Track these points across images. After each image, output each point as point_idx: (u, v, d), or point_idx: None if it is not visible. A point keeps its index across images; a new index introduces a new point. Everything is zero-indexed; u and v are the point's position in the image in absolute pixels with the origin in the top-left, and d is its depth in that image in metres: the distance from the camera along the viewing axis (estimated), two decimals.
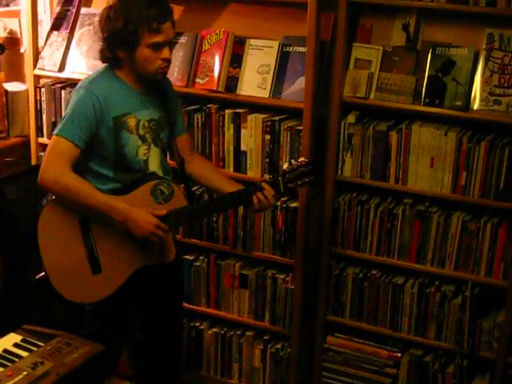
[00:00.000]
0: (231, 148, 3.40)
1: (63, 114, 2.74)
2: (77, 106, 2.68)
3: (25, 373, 2.12)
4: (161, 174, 2.85)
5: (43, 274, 2.82)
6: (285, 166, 2.79)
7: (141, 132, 2.77)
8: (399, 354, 3.41)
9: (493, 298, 3.27)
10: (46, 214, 2.76)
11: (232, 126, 3.38)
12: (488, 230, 3.13)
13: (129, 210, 2.68)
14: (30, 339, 2.37)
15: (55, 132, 2.69)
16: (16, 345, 2.34)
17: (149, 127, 2.80)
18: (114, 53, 2.69)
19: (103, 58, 2.77)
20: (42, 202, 2.85)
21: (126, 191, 2.77)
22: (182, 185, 3.00)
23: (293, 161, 2.80)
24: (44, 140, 3.80)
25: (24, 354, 2.27)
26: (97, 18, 3.52)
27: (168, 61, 2.72)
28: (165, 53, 2.67)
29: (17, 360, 2.23)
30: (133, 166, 2.79)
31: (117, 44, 2.66)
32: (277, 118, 3.32)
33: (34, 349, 2.31)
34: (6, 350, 2.31)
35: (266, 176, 3.31)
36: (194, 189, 3.39)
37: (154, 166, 2.84)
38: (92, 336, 2.90)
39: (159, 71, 2.71)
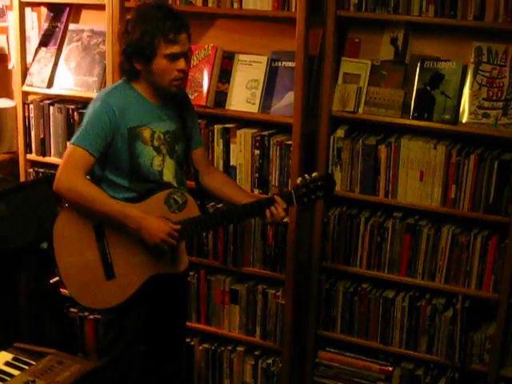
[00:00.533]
0: (221, 163, 3.40)
1: (81, 124, 2.78)
2: (93, 117, 2.73)
3: None
4: (175, 185, 2.88)
5: (57, 279, 2.83)
6: (298, 180, 2.84)
7: (155, 143, 2.81)
8: (391, 368, 3.40)
9: (483, 311, 3.27)
10: (61, 220, 2.80)
11: (221, 141, 3.39)
12: (478, 243, 3.15)
13: (142, 218, 2.72)
14: (21, 357, 2.36)
15: (71, 141, 2.74)
16: (7, 363, 2.33)
17: (164, 139, 2.83)
18: (131, 65, 2.75)
19: (122, 71, 2.84)
20: (57, 209, 2.89)
21: (141, 199, 2.81)
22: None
23: (306, 175, 2.84)
24: (32, 156, 3.79)
25: (15, 372, 2.26)
26: (85, 34, 3.61)
27: (184, 72, 2.76)
28: (181, 64, 2.72)
29: (8, 379, 2.22)
30: (147, 176, 2.82)
31: (134, 56, 2.72)
32: (266, 133, 3.32)
33: (26, 367, 2.30)
34: None
35: (256, 191, 3.35)
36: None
37: (168, 176, 2.87)
38: (108, 348, 2.94)
39: (174, 83, 2.75)
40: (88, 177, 2.79)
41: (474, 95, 3.07)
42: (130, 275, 2.82)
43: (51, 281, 3.04)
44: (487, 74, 3.06)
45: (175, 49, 2.69)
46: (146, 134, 2.79)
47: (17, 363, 2.32)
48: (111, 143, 2.74)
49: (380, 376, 3.42)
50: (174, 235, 2.75)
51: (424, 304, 3.28)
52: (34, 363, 2.32)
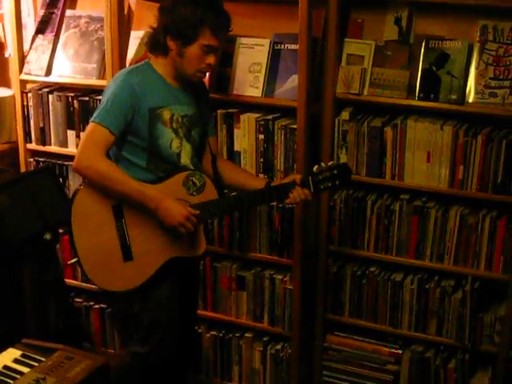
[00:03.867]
0: (224, 149, 3.35)
1: (101, 102, 2.76)
2: (113, 94, 2.71)
3: None
4: (192, 168, 2.88)
5: (76, 259, 2.82)
6: (315, 167, 2.84)
7: (174, 126, 2.81)
8: (400, 351, 3.39)
9: (493, 292, 3.25)
10: (79, 200, 2.79)
11: (224, 126, 3.34)
12: (487, 224, 3.11)
13: (161, 199, 2.72)
14: (29, 354, 2.34)
15: (91, 119, 2.72)
16: (16, 360, 2.30)
17: (182, 122, 2.84)
18: (165, 41, 2.73)
19: (152, 43, 2.81)
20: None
21: (158, 181, 2.80)
22: None
23: (322, 163, 2.86)
24: (33, 146, 3.74)
25: (25, 369, 2.23)
26: (83, 20, 3.55)
27: (210, 67, 2.79)
28: (211, 59, 2.74)
29: (18, 376, 2.20)
30: (166, 158, 2.82)
31: (173, 33, 2.70)
32: (270, 117, 3.27)
33: (35, 364, 2.27)
34: (6, 367, 2.27)
35: (261, 176, 3.30)
36: None
37: (185, 159, 2.87)
38: (144, 339, 2.91)
39: (198, 74, 2.78)
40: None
41: (480, 74, 3.02)
42: (147, 257, 2.80)
43: (69, 262, 3.00)
44: (493, 53, 3.01)
45: (214, 42, 2.71)
46: (166, 115, 2.78)
47: (26, 360, 2.29)
48: (131, 122, 2.72)
49: (389, 359, 3.40)
50: (192, 220, 2.73)
51: (433, 286, 3.25)
52: (43, 359, 2.29)
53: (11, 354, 2.34)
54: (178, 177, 2.81)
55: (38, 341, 2.43)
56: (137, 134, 2.76)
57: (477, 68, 3.02)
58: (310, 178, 2.83)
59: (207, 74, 3.04)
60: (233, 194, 3.09)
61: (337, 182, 2.86)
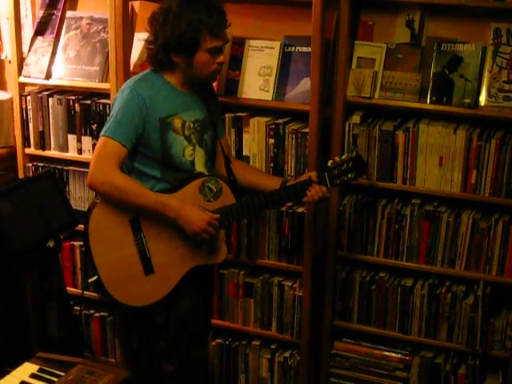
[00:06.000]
0: (233, 153, 3.27)
1: (110, 115, 2.70)
2: (123, 107, 2.65)
3: None
4: (207, 174, 2.83)
5: (95, 277, 2.76)
6: (329, 162, 2.81)
7: (186, 133, 2.76)
8: (409, 357, 3.35)
9: (504, 297, 3.23)
10: (95, 216, 2.73)
11: (233, 130, 3.27)
12: (499, 228, 3.09)
13: (180, 207, 2.67)
14: (47, 368, 2.26)
15: (102, 133, 2.67)
16: (34, 375, 2.23)
17: (193, 128, 2.79)
18: (168, 57, 2.67)
19: (155, 62, 2.74)
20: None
21: (174, 190, 2.75)
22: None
23: (336, 157, 2.83)
24: (31, 150, 3.64)
25: None
26: (84, 22, 3.46)
27: (222, 64, 2.75)
28: (220, 57, 2.70)
29: None
30: (180, 167, 2.77)
31: (174, 49, 2.65)
32: (281, 121, 3.22)
33: (55, 379, 2.20)
34: (23, 383, 2.18)
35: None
36: None
37: (200, 166, 2.82)
38: (171, 352, 2.85)
39: (212, 75, 2.76)
40: None
41: (493, 78, 2.99)
42: (169, 269, 2.76)
43: (89, 280, 2.94)
44: (507, 56, 2.98)
45: (218, 42, 2.66)
46: (177, 123, 2.73)
47: (44, 375, 2.22)
48: (142, 133, 2.67)
49: (399, 365, 3.36)
50: (214, 224, 2.69)
51: (444, 291, 3.22)
52: (62, 374, 2.22)
53: (28, 369, 2.27)
54: (194, 184, 2.77)
55: (53, 354, 2.36)
56: (149, 145, 2.71)
57: (490, 71, 3.00)
58: (326, 173, 2.79)
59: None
60: (249, 197, 2.99)
61: (353, 175, 2.82)
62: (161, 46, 2.66)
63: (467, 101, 3.01)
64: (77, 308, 3.77)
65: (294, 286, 3.37)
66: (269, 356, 3.51)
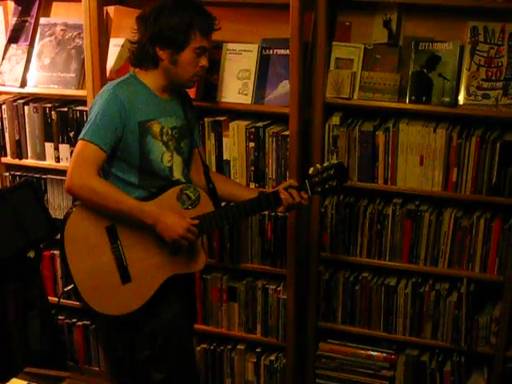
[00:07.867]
0: (213, 158, 3.27)
1: (89, 118, 2.65)
2: (102, 110, 2.61)
3: None
4: (184, 181, 2.81)
5: (71, 286, 2.71)
6: (310, 170, 2.77)
7: (164, 139, 2.74)
8: (395, 356, 3.36)
9: (487, 293, 3.24)
10: (71, 224, 2.67)
11: (213, 134, 3.25)
12: (481, 226, 3.10)
13: (159, 213, 2.64)
14: None
15: (80, 136, 2.62)
16: None
17: (171, 135, 2.76)
18: (154, 51, 2.65)
19: (139, 57, 2.71)
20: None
21: (152, 197, 2.71)
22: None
23: (317, 164, 2.80)
24: (8, 159, 3.59)
25: None
26: (58, 28, 3.42)
27: (204, 69, 2.74)
28: (204, 60, 2.70)
29: None
30: (158, 173, 2.74)
31: (163, 42, 2.64)
32: (261, 124, 3.20)
33: None
34: None
35: (252, 185, 3.24)
36: None
37: (177, 173, 2.80)
38: (159, 360, 2.82)
39: (194, 79, 2.74)
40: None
41: (472, 76, 3.00)
42: (146, 277, 2.72)
43: (65, 289, 2.89)
44: (485, 54, 3.00)
45: (206, 43, 2.67)
46: (156, 128, 2.70)
47: None
48: (121, 138, 2.63)
49: (384, 364, 3.37)
50: (193, 230, 2.66)
51: (427, 290, 3.23)
52: None
53: None
54: (172, 191, 2.73)
55: (40, 369, 2.33)
56: (127, 150, 2.67)
57: (468, 69, 3.01)
58: (307, 181, 2.76)
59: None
60: (227, 205, 2.98)
61: (334, 183, 2.78)
62: (150, 38, 2.64)
63: (446, 99, 3.01)
64: (61, 317, 3.74)
65: (278, 288, 3.37)
66: (254, 359, 3.50)
